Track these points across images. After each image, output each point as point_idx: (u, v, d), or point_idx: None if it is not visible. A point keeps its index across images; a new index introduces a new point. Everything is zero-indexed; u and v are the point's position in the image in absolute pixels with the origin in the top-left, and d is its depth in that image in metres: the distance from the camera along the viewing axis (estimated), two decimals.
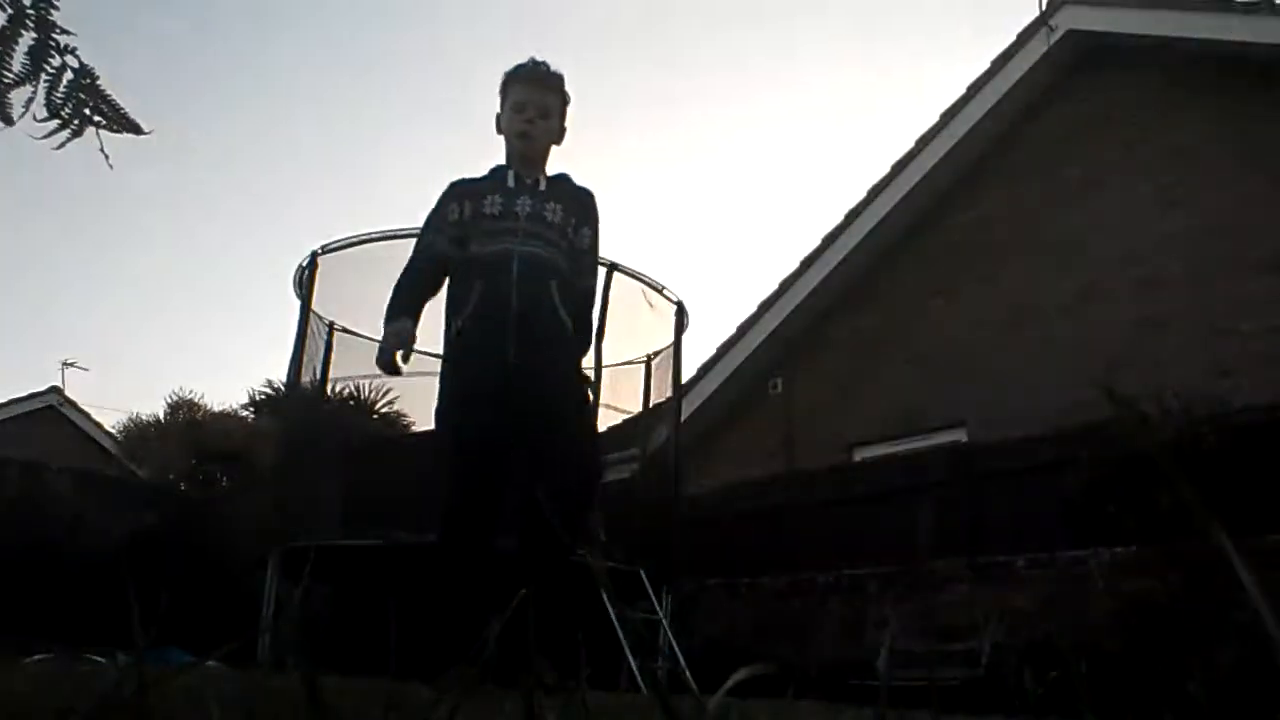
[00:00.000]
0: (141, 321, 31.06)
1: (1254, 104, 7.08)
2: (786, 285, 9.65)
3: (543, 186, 3.20)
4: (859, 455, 8.77)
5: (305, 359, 6.73)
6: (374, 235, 6.34)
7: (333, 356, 6.85)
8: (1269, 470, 4.72)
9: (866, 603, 6.16)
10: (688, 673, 4.75)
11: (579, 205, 3.22)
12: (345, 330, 6.81)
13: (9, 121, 1.51)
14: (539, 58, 3.24)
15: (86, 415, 16.70)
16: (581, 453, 3.03)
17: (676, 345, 6.71)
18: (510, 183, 3.17)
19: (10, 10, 1.46)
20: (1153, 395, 5.20)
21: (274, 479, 7.81)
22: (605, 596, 4.45)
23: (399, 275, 3.20)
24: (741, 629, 6.42)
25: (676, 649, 5.20)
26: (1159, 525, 4.52)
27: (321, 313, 6.69)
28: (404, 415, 9.71)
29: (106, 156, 1.56)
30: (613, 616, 4.94)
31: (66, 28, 1.50)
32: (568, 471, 2.94)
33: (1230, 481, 4.39)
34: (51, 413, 16.43)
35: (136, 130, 1.59)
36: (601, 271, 6.61)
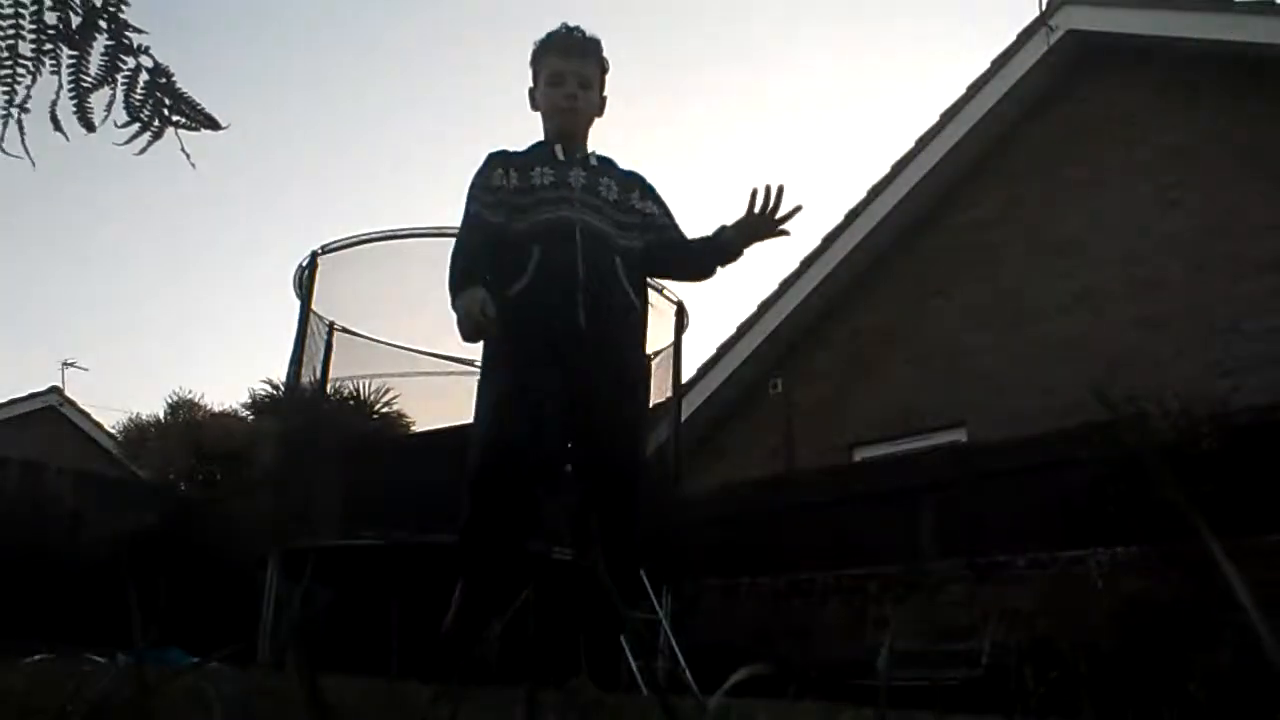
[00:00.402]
0: (141, 321, 31.05)
1: (1254, 104, 7.08)
2: (786, 285, 9.65)
3: (594, 162, 2.97)
4: (859, 455, 8.77)
5: (305, 359, 6.73)
6: (374, 235, 6.35)
7: (333, 356, 6.85)
8: (1269, 470, 4.72)
9: (866, 603, 6.16)
10: (688, 673, 4.75)
11: (634, 182, 3.00)
12: (345, 330, 6.81)
13: (90, 127, 1.46)
14: (571, 23, 2.99)
15: (86, 415, 16.69)
16: (639, 429, 2.88)
17: (676, 345, 6.71)
18: (560, 155, 2.92)
19: (83, 13, 1.42)
20: (1153, 395, 5.21)
21: (274, 479, 7.81)
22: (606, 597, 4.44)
23: (452, 253, 2.84)
24: (741, 629, 6.42)
25: (676, 649, 5.20)
26: (1159, 525, 4.52)
27: (321, 313, 6.69)
28: (404, 415, 9.71)
29: (188, 156, 1.51)
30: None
31: (139, 26, 1.46)
32: (625, 447, 2.77)
33: (1230, 481, 4.39)
34: (51, 413, 16.42)
35: (215, 126, 1.54)
36: None
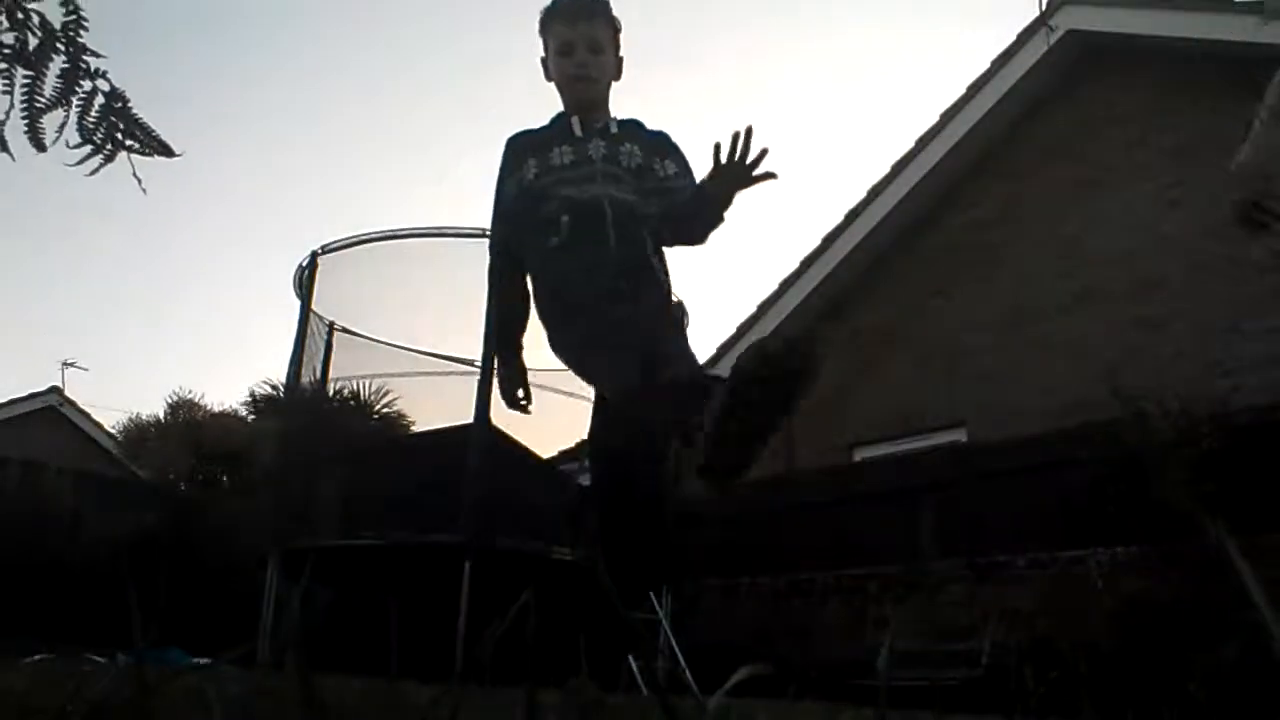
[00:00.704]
0: (141, 321, 31.05)
1: (1254, 104, 7.08)
2: (786, 285, 9.65)
3: (614, 129, 2.82)
4: (859, 455, 8.77)
5: (305, 359, 6.74)
6: (374, 235, 6.35)
7: (333, 356, 6.86)
8: (1269, 470, 4.72)
9: (866, 603, 6.16)
10: (688, 673, 4.75)
11: (659, 144, 2.84)
12: (345, 330, 6.81)
13: (41, 148, 1.47)
14: None
15: (86, 415, 16.70)
16: (682, 370, 2.65)
17: None
18: (577, 130, 2.79)
19: (41, 35, 1.42)
20: (1153, 395, 5.21)
21: (274, 479, 7.81)
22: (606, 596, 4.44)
23: (488, 290, 2.93)
24: (741, 629, 6.42)
25: (676, 649, 5.20)
26: (1159, 525, 4.52)
27: (321, 313, 6.69)
28: (404, 415, 9.71)
29: (139, 181, 1.52)
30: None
31: (97, 50, 1.46)
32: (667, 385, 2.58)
33: (1230, 481, 4.40)
34: (51, 413, 16.42)
35: (168, 153, 1.55)
36: None
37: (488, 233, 2.92)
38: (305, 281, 6.59)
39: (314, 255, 6.54)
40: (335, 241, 6.46)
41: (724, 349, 10.08)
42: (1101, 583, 4.92)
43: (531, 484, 6.53)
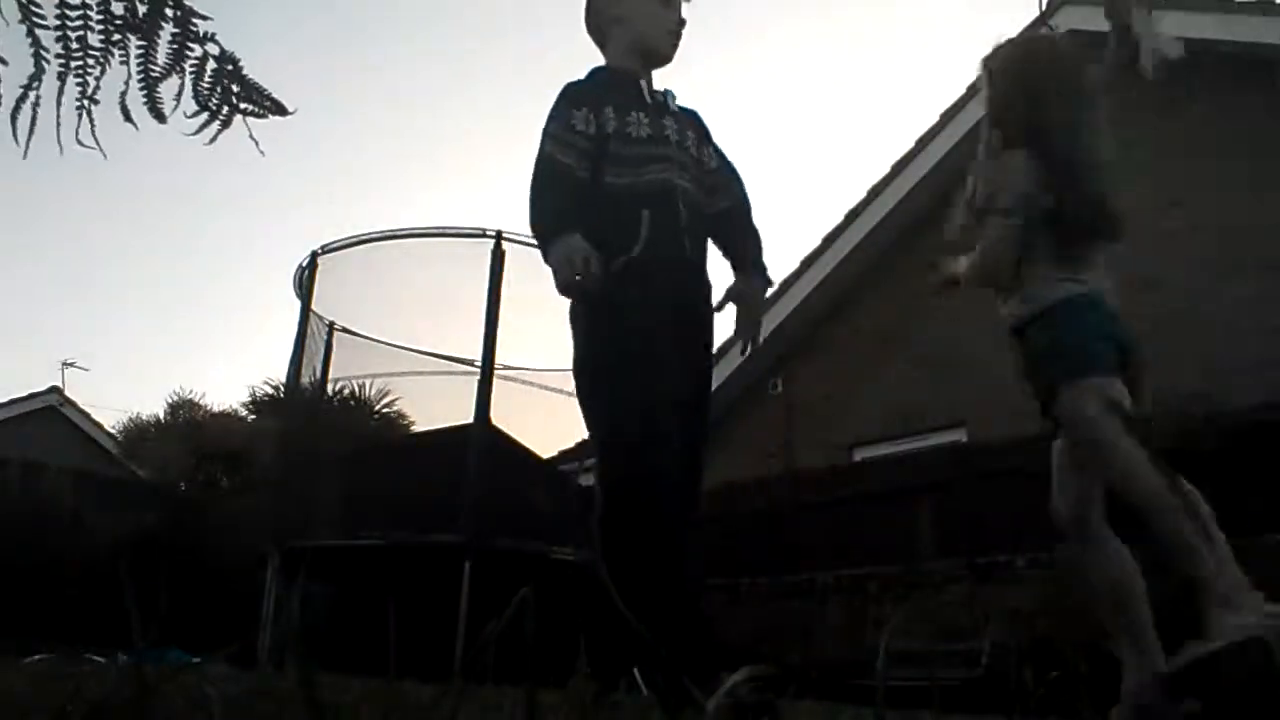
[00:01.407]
0: (141, 321, 31.06)
1: (1254, 104, 7.08)
2: (787, 285, 9.65)
3: (673, 108, 2.52)
4: (859, 455, 8.77)
5: (305, 359, 6.74)
6: (374, 235, 6.36)
7: (333, 356, 6.86)
8: (1268, 470, 4.72)
9: (866, 603, 6.16)
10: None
11: (700, 126, 2.60)
12: (345, 330, 6.82)
13: (161, 118, 1.44)
14: None
15: (86, 415, 16.70)
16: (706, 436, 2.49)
17: None
18: (647, 97, 2.47)
19: (148, 2, 1.39)
20: (1152, 395, 5.20)
21: (274, 479, 7.82)
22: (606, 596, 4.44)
23: (531, 196, 2.37)
24: (741, 629, 6.42)
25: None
26: None
27: (321, 313, 6.70)
28: (404, 415, 9.72)
29: (257, 143, 1.48)
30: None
31: (205, 14, 1.44)
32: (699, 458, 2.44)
33: (1229, 481, 4.39)
34: (51, 413, 16.42)
35: (283, 111, 1.51)
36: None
37: (542, 147, 2.39)
38: (305, 281, 6.60)
39: (314, 255, 6.54)
40: (335, 241, 6.47)
41: (723, 349, 10.08)
42: None
43: (531, 484, 6.53)
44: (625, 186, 2.36)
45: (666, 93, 2.54)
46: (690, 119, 2.57)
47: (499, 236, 6.18)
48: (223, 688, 1.19)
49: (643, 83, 2.49)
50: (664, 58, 2.54)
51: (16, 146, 1.31)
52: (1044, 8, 8.16)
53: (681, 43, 2.58)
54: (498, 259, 6.16)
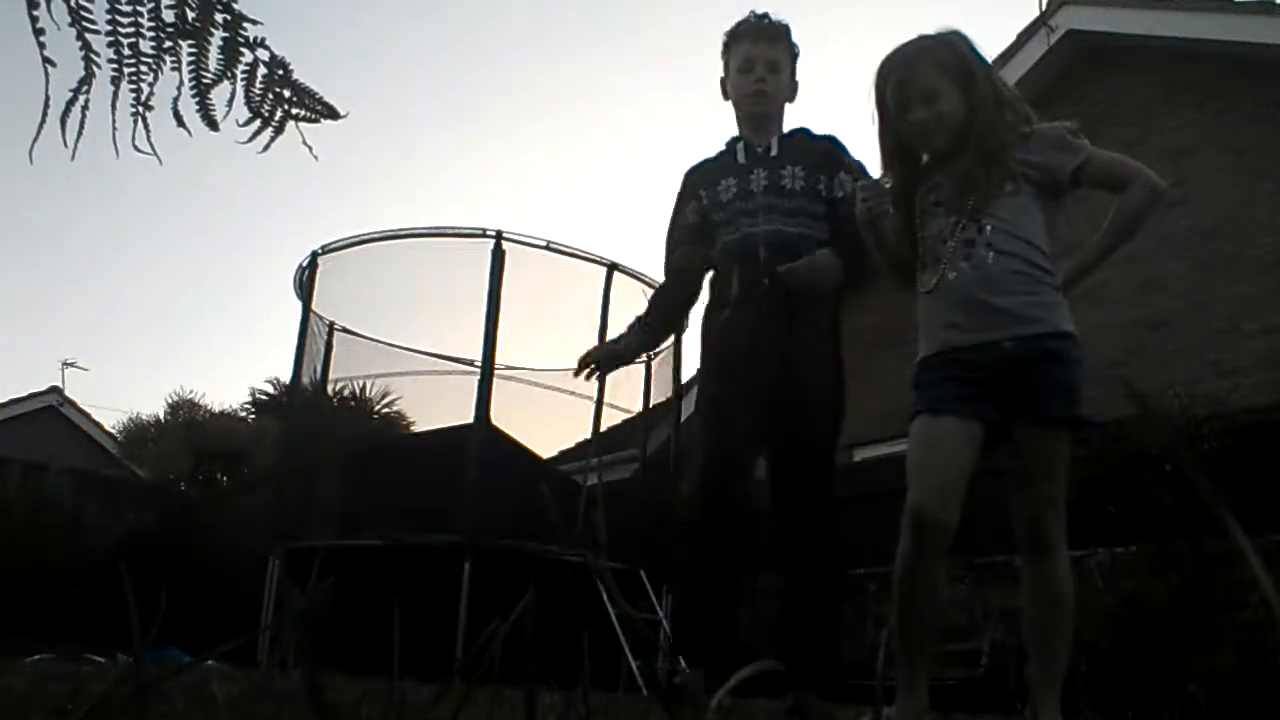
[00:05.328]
0: (141, 321, 31.08)
1: (1253, 104, 7.08)
2: None
3: (774, 152, 2.93)
4: (859, 455, 8.76)
5: (305, 359, 6.74)
6: (374, 235, 6.36)
7: (333, 356, 6.86)
8: (1269, 470, 4.72)
9: (866, 603, 6.16)
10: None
11: (824, 158, 2.92)
12: (345, 330, 6.82)
13: (214, 125, 1.43)
14: (759, 10, 3.02)
15: (86, 415, 16.71)
16: (828, 454, 2.86)
17: (676, 345, 6.71)
18: (741, 157, 2.95)
19: (197, 7, 1.38)
20: (1153, 395, 5.20)
21: (275, 479, 7.81)
22: (607, 596, 4.45)
23: (650, 301, 3.22)
24: (742, 629, 6.41)
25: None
26: (1159, 525, 4.52)
27: (321, 313, 6.69)
28: (404, 415, 9.71)
29: (310, 149, 1.48)
30: (613, 616, 4.95)
31: (254, 18, 1.43)
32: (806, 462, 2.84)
33: (1230, 481, 4.39)
34: (51, 413, 16.43)
35: (335, 115, 1.51)
36: (602, 271, 6.65)
37: (664, 252, 3.10)
38: (305, 281, 6.60)
39: (314, 255, 6.54)
40: (335, 241, 6.47)
41: None
42: (1101, 583, 4.92)
43: (531, 484, 6.53)
44: (723, 246, 2.88)
45: (771, 142, 2.94)
46: (816, 152, 2.92)
47: (499, 236, 6.18)
48: (223, 688, 1.19)
49: (739, 147, 2.96)
50: (759, 115, 2.97)
51: (65, 148, 1.30)
52: (1044, 8, 8.18)
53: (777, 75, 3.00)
54: (498, 259, 6.16)
